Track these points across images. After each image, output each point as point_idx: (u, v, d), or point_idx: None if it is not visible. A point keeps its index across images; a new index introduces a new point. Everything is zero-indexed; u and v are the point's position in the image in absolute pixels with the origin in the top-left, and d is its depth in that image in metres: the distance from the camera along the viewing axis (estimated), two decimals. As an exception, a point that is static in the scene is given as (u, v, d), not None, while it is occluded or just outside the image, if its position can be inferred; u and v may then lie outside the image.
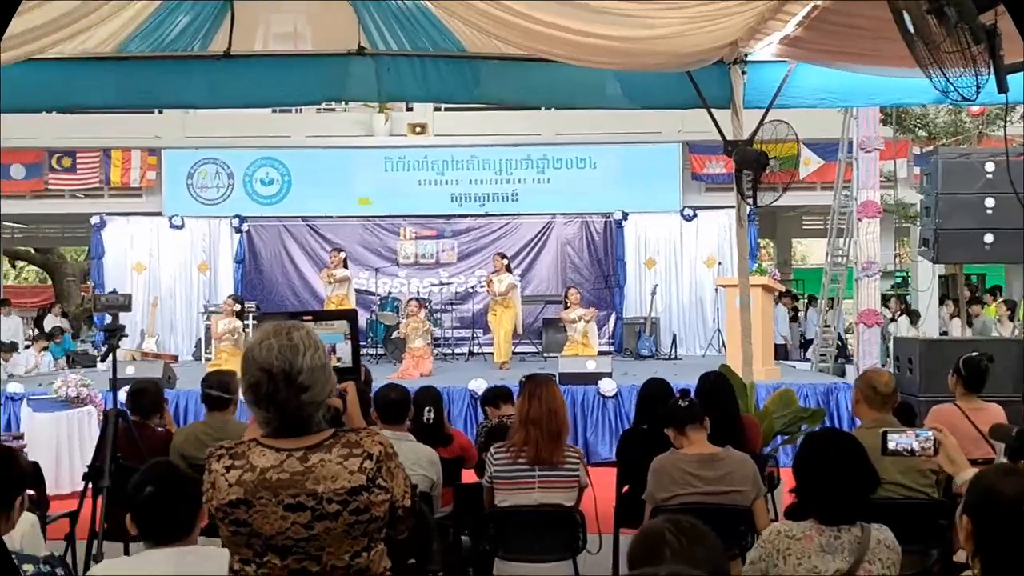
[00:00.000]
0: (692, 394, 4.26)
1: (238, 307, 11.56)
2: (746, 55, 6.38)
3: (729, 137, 6.42)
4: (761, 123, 6.33)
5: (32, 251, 26.10)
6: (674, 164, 15.04)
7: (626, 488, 4.88)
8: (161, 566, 2.43)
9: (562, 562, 3.88)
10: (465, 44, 6.34)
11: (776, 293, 11.70)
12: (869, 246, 10.33)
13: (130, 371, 9.76)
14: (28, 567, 2.27)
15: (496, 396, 5.10)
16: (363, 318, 13.20)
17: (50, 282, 28.06)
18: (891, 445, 2.60)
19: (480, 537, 4.02)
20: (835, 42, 5.29)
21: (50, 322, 17.52)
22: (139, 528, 2.47)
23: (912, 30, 3.00)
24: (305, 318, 2.34)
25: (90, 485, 4.42)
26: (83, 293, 27.02)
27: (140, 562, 2.48)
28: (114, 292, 5.09)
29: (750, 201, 6.24)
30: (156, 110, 14.27)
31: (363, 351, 13.29)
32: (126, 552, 4.69)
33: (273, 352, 2.02)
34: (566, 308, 11.75)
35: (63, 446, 7.95)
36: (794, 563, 2.59)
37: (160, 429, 5.21)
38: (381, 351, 13.25)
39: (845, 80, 6.14)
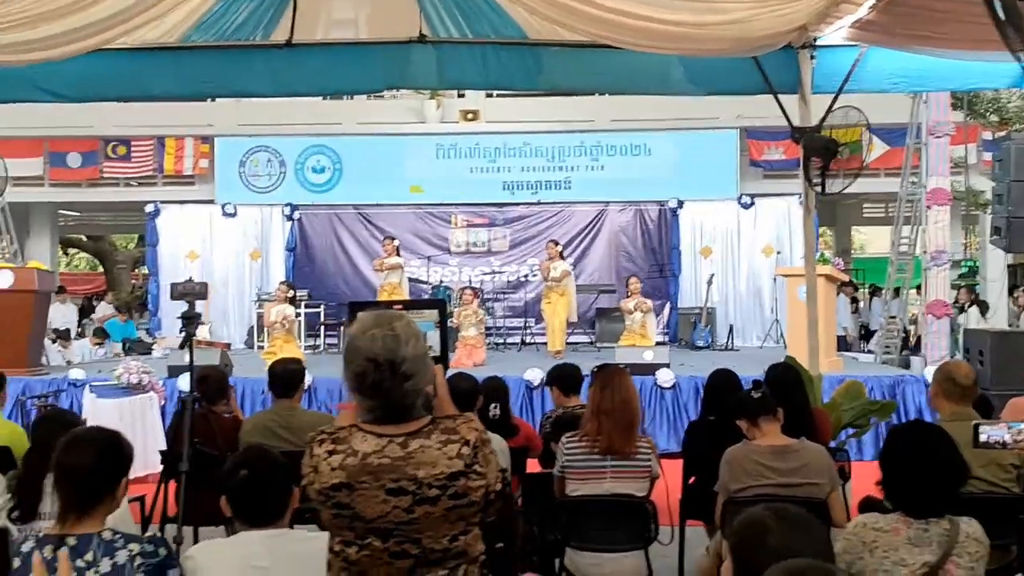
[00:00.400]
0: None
1: (291, 293, 11.75)
2: (815, 39, 6.33)
3: (796, 123, 6.39)
4: (830, 109, 6.30)
5: (84, 239, 26.73)
6: (731, 150, 14.95)
7: (692, 479, 4.92)
8: (256, 547, 2.55)
9: (634, 552, 3.93)
10: (527, 31, 6.38)
11: (838, 283, 11.59)
12: (938, 235, 10.20)
13: (188, 359, 9.98)
14: (134, 546, 2.39)
15: (570, 380, 5.15)
16: (415, 307, 13.33)
17: (101, 269, 28.69)
18: (983, 438, 2.61)
19: (549, 527, 4.09)
20: (910, 25, 5.23)
21: (102, 310, 17.96)
22: (233, 510, 2.59)
23: (1003, 15, 3.00)
24: (397, 307, 2.43)
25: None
26: (133, 281, 27.63)
27: (236, 543, 2.60)
28: (190, 280, 5.25)
29: (818, 189, 6.21)
30: (209, 98, 14.56)
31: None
32: (196, 536, 4.86)
33: (377, 343, 2.11)
34: (627, 296, 11.74)
35: (125, 432, 8.13)
36: (880, 556, 2.62)
37: (227, 415, 5.36)
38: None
39: (919, 64, 6.07)
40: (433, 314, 2.60)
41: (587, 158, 15.15)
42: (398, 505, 2.10)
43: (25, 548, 2.40)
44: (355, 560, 2.15)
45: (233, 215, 15.11)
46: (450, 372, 4.88)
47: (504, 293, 14.39)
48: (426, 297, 13.80)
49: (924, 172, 10.64)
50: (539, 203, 15.15)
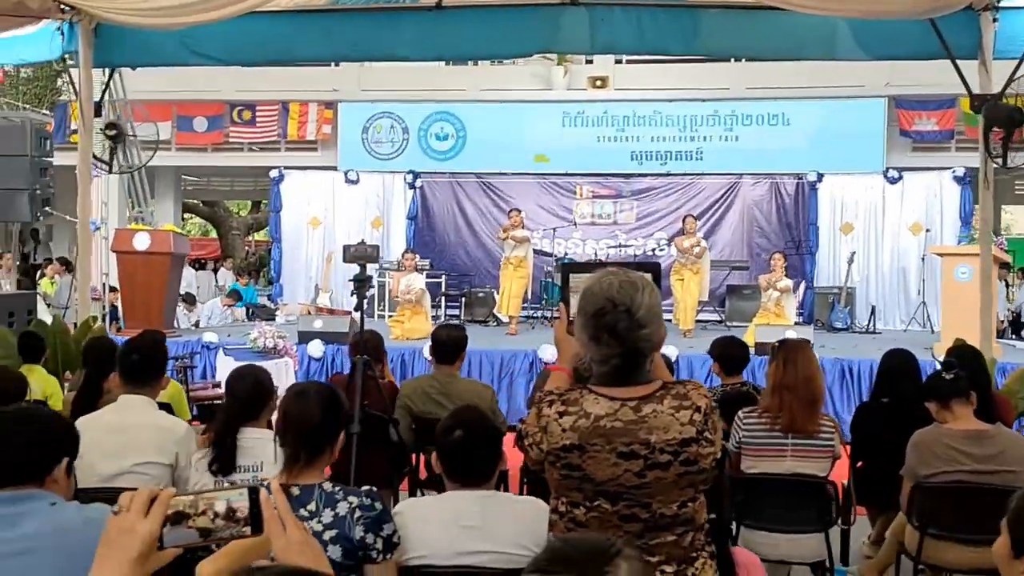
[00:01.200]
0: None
1: (418, 261, 11.94)
2: (997, 0, 6.13)
3: (976, 91, 6.19)
4: (1014, 76, 6.08)
5: (200, 204, 27.76)
6: (878, 120, 14.50)
7: (860, 463, 4.86)
8: (467, 506, 2.66)
9: (813, 534, 3.93)
10: (685, -8, 6.36)
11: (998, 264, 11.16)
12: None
13: (318, 325, 10.34)
14: (353, 499, 2.53)
15: (736, 361, 5.14)
16: (536, 281, 13.44)
17: (214, 235, 29.77)
18: None
19: (719, 503, 4.12)
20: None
21: (223, 277, 18.69)
22: (446, 469, 2.71)
23: None
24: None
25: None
26: (246, 247, 28.59)
27: (446, 501, 2.72)
28: (362, 243, 5.45)
29: (999, 162, 6.01)
30: (333, 63, 14.92)
31: (534, 313, 13.56)
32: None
33: (614, 287, 2.18)
34: (771, 272, 11.55)
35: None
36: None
37: (381, 380, 5.55)
38: (556, 314, 13.40)
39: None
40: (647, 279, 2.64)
41: (720, 127, 14.92)
42: (629, 469, 2.17)
43: (250, 496, 2.56)
44: (583, 521, 2.23)
45: (355, 182, 15.45)
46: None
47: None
48: (549, 270, 13.89)
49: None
50: (668, 174, 15.03)
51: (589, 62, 15.24)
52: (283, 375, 8.86)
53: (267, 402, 3.47)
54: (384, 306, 13.99)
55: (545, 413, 2.25)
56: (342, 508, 2.52)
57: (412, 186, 15.43)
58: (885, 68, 14.45)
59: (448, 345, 5.12)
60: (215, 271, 19.97)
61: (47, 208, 7.93)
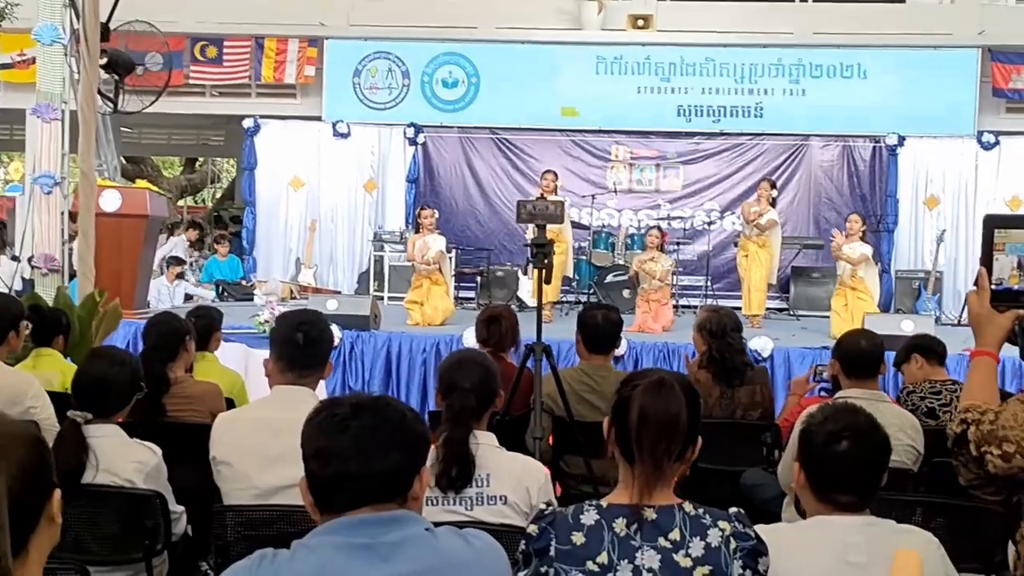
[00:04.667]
0: None
1: (437, 217, 11.56)
2: None
3: None
4: None
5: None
6: (970, 75, 14.44)
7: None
8: (852, 536, 2.46)
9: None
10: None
11: None
12: None
13: (332, 306, 10.01)
14: (725, 524, 2.31)
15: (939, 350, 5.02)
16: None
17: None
18: None
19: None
20: None
21: (174, 245, 18.14)
22: (817, 486, 2.56)
23: None
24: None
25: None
26: (178, 214, 27.95)
27: (826, 530, 2.51)
28: (542, 198, 5.19)
29: None
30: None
31: (563, 298, 13.27)
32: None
33: None
34: (847, 237, 11.35)
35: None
36: None
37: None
38: (593, 297, 13.22)
39: None
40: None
41: (784, 79, 14.78)
42: None
43: (587, 520, 2.31)
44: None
45: (346, 135, 15.11)
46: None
47: (678, 244, 14.14)
48: (584, 245, 13.67)
49: None
50: (722, 133, 14.90)
51: (628, -4, 15.05)
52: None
53: (495, 397, 3.24)
54: (383, 285, 13.69)
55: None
56: (714, 537, 2.28)
57: (413, 142, 15.12)
58: (977, 12, 14.46)
59: (603, 330, 4.99)
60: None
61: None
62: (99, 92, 7.45)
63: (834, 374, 5.10)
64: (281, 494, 3.28)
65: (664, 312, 11.19)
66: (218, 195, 29.09)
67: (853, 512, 2.51)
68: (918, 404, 4.95)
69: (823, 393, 5.34)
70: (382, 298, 12.90)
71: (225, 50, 15.48)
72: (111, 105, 8.48)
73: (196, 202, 29.94)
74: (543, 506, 2.43)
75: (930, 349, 5.19)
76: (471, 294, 13.73)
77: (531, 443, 4.44)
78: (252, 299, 13.30)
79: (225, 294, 14.00)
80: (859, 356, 4.49)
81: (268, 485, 3.30)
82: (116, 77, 8.45)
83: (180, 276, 14.37)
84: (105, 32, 7.41)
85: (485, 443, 3.15)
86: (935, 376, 5.13)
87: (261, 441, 3.33)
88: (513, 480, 3.13)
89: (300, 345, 3.42)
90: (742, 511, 2.34)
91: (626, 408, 2.34)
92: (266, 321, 8.96)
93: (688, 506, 2.33)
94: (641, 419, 2.32)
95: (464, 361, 3.30)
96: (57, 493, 1.73)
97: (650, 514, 2.30)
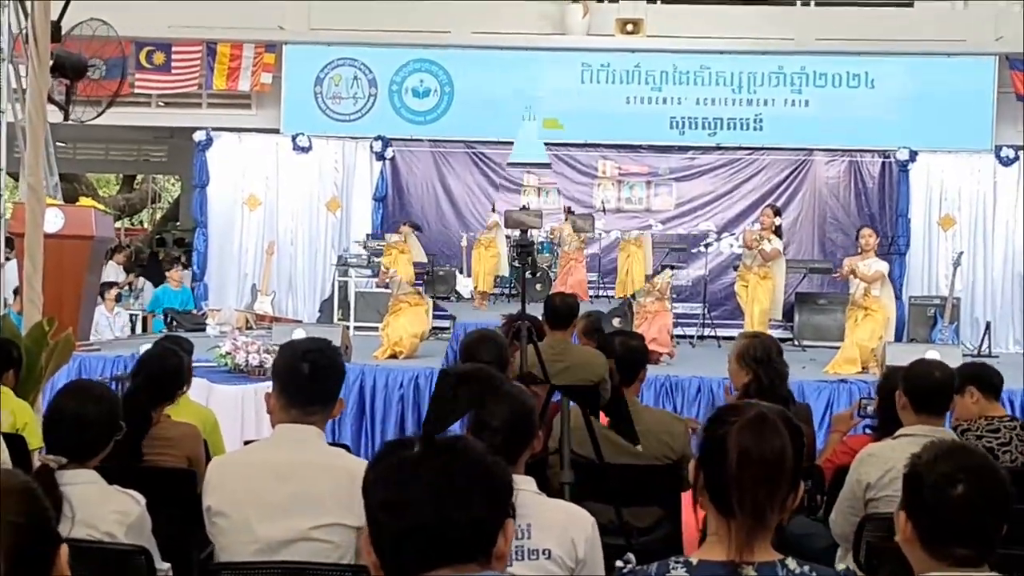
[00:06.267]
0: None
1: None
2: None
3: None
4: None
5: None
6: (986, 84, 14.56)
7: None
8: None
9: None
10: None
11: None
12: None
13: (298, 335, 9.81)
14: None
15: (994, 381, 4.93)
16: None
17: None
18: None
19: None
20: None
21: (111, 272, 17.85)
22: (927, 535, 2.39)
23: None
24: None
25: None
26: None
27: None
28: (526, 208, 5.18)
29: None
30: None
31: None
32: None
33: None
34: (858, 253, 11.30)
35: (250, 426, 8.05)
36: None
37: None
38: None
39: None
40: None
41: (786, 88, 14.85)
42: None
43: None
44: None
45: (306, 150, 15.02)
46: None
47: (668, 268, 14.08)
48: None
49: None
50: (718, 147, 14.94)
51: (615, 0, 15.03)
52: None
53: (531, 438, 3.08)
54: (348, 314, 13.54)
55: None
56: (824, 599, 2.12)
57: (381, 156, 15.07)
58: (992, 17, 14.54)
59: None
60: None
61: None
62: (49, 98, 7.22)
63: (878, 410, 4.99)
64: (288, 549, 3.11)
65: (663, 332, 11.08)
66: (158, 216, 28.75)
67: (971, 568, 2.35)
68: (974, 444, 4.82)
69: (868, 431, 5.21)
70: (348, 327, 12.72)
71: (174, 56, 15.29)
72: (63, 112, 8.28)
73: (134, 223, 29.60)
74: (620, 564, 2.26)
75: (987, 381, 5.02)
76: (446, 324, 13.59)
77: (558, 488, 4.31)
78: (204, 330, 13.06)
79: (174, 323, 13.75)
80: (933, 390, 4.23)
81: (272, 538, 3.11)
82: (67, 82, 8.24)
83: (118, 300, 14.13)
84: (56, 32, 7.20)
85: (524, 488, 2.96)
86: (991, 412, 4.97)
87: (264, 488, 3.15)
88: (557, 530, 2.95)
89: (306, 377, 3.23)
90: (853, 568, 2.19)
91: (721, 449, 2.17)
92: (228, 353, 8.76)
93: (792, 562, 2.17)
94: (742, 462, 2.16)
95: (494, 396, 3.12)
96: (64, 549, 1.70)
97: (750, 572, 2.13)
